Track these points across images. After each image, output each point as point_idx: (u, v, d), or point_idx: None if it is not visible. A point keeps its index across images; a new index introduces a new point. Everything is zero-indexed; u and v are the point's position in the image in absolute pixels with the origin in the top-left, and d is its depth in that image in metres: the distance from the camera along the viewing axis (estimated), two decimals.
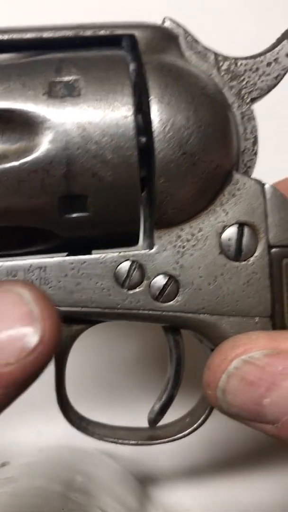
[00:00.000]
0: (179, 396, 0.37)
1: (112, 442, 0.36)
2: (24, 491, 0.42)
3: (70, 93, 0.31)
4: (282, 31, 0.36)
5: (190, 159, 0.32)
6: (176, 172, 0.32)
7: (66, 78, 0.31)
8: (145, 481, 0.54)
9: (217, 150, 0.33)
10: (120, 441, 0.36)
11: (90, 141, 0.31)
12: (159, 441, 0.36)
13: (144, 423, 0.38)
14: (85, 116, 0.31)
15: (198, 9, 0.53)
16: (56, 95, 0.31)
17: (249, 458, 0.54)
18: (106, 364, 0.52)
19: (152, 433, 0.37)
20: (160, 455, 0.53)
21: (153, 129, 0.31)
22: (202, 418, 0.36)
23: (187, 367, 0.37)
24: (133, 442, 0.36)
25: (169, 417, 0.37)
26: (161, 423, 0.37)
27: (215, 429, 0.50)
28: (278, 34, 0.36)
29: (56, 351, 0.29)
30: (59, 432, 0.48)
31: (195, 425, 0.36)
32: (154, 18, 0.36)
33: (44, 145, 0.30)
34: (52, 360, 0.29)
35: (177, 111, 0.32)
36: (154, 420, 0.37)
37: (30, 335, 0.28)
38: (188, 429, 0.36)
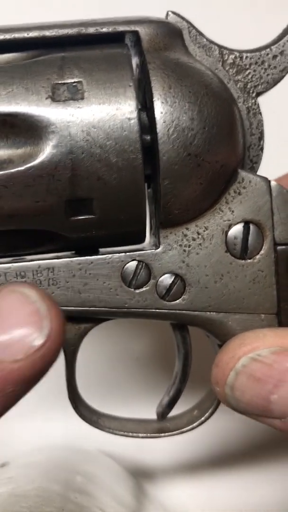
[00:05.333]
0: (187, 389, 0.38)
1: (122, 435, 0.37)
2: (24, 491, 0.43)
3: (73, 96, 0.31)
4: (284, 26, 0.35)
5: (195, 160, 0.32)
6: (181, 174, 0.32)
7: (69, 81, 0.31)
8: (144, 480, 0.55)
9: (222, 150, 0.33)
10: (130, 434, 0.37)
11: (94, 145, 0.31)
12: (167, 433, 0.37)
13: (153, 417, 0.39)
14: (89, 120, 0.31)
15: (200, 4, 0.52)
16: (60, 99, 0.31)
17: (247, 455, 0.55)
18: (115, 359, 0.52)
19: (161, 425, 0.38)
20: (159, 454, 0.54)
21: (157, 131, 0.31)
22: (210, 411, 0.37)
23: (194, 361, 0.37)
24: (142, 435, 0.37)
25: (176, 410, 0.38)
26: (169, 415, 0.38)
27: (215, 428, 0.51)
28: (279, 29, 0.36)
29: (62, 347, 0.30)
30: (59, 432, 0.49)
31: (202, 418, 0.37)
32: (158, 12, 0.36)
33: (48, 149, 0.31)
34: (60, 358, 0.30)
35: (181, 112, 0.31)
36: (162, 414, 0.38)
37: (38, 332, 0.29)
38: (196, 421, 0.37)
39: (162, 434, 0.37)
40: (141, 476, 0.56)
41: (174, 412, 0.38)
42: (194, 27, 0.35)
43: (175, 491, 0.55)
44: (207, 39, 0.35)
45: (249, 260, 0.34)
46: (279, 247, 0.34)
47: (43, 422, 0.54)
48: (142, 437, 0.37)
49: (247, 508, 0.54)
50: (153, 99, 0.31)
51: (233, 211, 0.34)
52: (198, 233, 0.34)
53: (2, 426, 0.54)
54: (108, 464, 0.53)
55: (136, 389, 0.53)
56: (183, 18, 0.35)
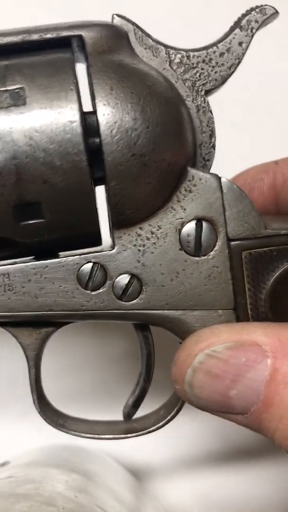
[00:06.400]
0: (153, 389, 0.38)
1: (89, 438, 0.37)
2: (24, 490, 0.43)
3: (15, 102, 0.31)
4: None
5: (140, 160, 0.32)
6: (128, 174, 0.32)
7: (11, 87, 0.32)
8: (144, 479, 0.55)
9: (168, 148, 0.33)
10: (97, 436, 0.37)
11: (38, 149, 0.31)
12: (135, 434, 0.37)
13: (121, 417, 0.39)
14: (31, 125, 0.31)
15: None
16: (1, 106, 0.31)
17: (247, 454, 0.54)
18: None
19: (129, 426, 0.38)
20: (159, 453, 0.55)
21: (100, 133, 0.32)
22: (175, 409, 0.37)
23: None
24: (109, 436, 0.38)
25: (144, 411, 0.38)
26: (137, 415, 0.38)
27: (214, 427, 0.51)
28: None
29: None
30: (59, 431, 0.49)
31: (168, 417, 0.37)
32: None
33: None
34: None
35: (123, 113, 0.32)
36: (128, 414, 0.38)
37: None
38: (162, 421, 0.37)
39: (129, 435, 0.37)
40: (141, 475, 0.56)
41: (142, 412, 0.38)
42: (140, 28, 0.36)
43: (175, 490, 0.55)
44: (154, 40, 0.36)
45: (203, 257, 0.34)
46: (232, 243, 0.34)
47: (43, 422, 0.54)
48: (109, 439, 0.37)
49: (247, 507, 0.54)
50: (95, 101, 0.32)
51: (185, 209, 0.34)
52: (152, 232, 0.34)
53: (2, 426, 0.55)
54: (108, 463, 0.53)
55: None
56: (128, 20, 0.36)
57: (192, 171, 0.34)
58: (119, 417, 0.39)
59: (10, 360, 0.52)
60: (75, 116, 0.31)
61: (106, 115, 0.32)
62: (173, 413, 0.37)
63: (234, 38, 0.36)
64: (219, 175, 0.35)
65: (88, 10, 0.54)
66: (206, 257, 0.34)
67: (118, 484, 0.50)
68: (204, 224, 0.34)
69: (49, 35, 0.33)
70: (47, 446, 0.53)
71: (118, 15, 0.35)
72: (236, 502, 0.54)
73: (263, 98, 0.53)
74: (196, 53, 0.36)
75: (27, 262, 0.34)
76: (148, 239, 0.34)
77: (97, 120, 0.32)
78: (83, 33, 0.34)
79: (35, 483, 0.44)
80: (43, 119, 0.31)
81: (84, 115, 0.32)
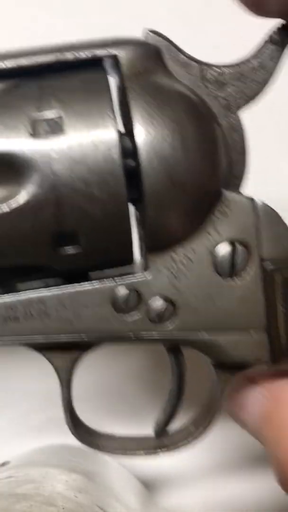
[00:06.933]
0: (183, 405, 0.38)
1: (121, 454, 0.38)
2: (24, 490, 0.43)
3: (53, 130, 0.31)
4: None
5: (179, 188, 0.32)
6: (165, 201, 0.32)
7: (48, 114, 0.31)
8: (145, 480, 0.55)
9: (204, 174, 0.33)
10: (129, 452, 0.38)
11: (77, 180, 0.31)
12: (166, 450, 0.38)
13: (150, 429, 0.40)
14: (71, 155, 0.31)
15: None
16: (40, 135, 0.30)
17: (253, 460, 0.56)
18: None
19: (158, 442, 0.39)
20: (168, 460, 0.55)
21: (140, 161, 0.31)
22: (204, 426, 0.37)
23: (188, 378, 0.38)
24: (141, 452, 0.38)
25: (173, 426, 0.39)
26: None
27: (220, 435, 0.51)
28: None
29: None
30: (59, 431, 0.49)
31: (197, 433, 0.38)
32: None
33: (32, 187, 0.30)
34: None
35: (162, 140, 0.31)
36: (160, 431, 0.38)
37: None
38: (191, 437, 0.38)
39: (160, 451, 0.38)
40: (142, 475, 0.56)
41: (170, 428, 0.39)
42: (173, 44, 0.35)
43: (179, 493, 0.56)
44: (187, 56, 0.35)
45: (237, 279, 0.34)
46: (265, 265, 0.34)
47: (44, 422, 0.55)
48: (141, 455, 0.38)
49: None
50: (134, 129, 0.31)
51: (219, 232, 0.34)
52: (186, 256, 0.34)
53: (2, 426, 0.55)
54: (108, 463, 0.53)
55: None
56: (162, 36, 0.35)
57: (226, 194, 0.34)
58: (145, 429, 0.40)
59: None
60: (114, 146, 0.31)
61: (145, 143, 0.31)
62: (201, 429, 0.38)
63: (265, 53, 0.35)
64: (253, 197, 0.35)
65: (88, 10, 0.54)
66: (239, 279, 0.35)
67: (119, 484, 0.51)
68: (238, 247, 0.34)
69: (83, 55, 0.32)
70: (47, 446, 0.53)
71: (152, 31, 0.34)
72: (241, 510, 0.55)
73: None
74: (229, 70, 0.35)
75: (61, 288, 0.34)
76: (182, 262, 0.34)
77: (135, 146, 0.31)
78: (117, 52, 0.33)
79: (35, 483, 0.44)
80: (82, 149, 0.31)
81: (122, 142, 0.31)
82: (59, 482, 0.44)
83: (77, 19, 0.54)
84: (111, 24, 0.50)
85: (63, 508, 0.40)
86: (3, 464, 0.51)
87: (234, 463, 0.54)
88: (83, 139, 0.31)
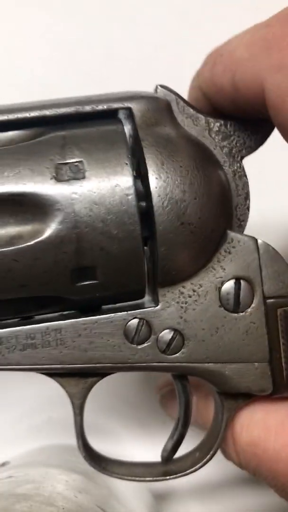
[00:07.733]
0: (188, 432, 0.40)
1: (130, 480, 0.40)
2: (24, 490, 0.43)
3: (75, 175, 0.34)
4: None
5: (188, 228, 0.35)
6: (176, 241, 0.35)
7: (70, 161, 0.34)
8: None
9: (212, 216, 0.36)
10: (137, 478, 0.40)
11: (96, 219, 0.34)
12: (173, 476, 0.40)
13: (158, 453, 0.41)
14: (91, 197, 0.34)
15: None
16: (63, 179, 0.34)
17: None
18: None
19: (166, 468, 0.40)
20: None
21: (153, 204, 0.34)
22: (211, 453, 0.39)
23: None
24: (149, 478, 0.40)
25: (179, 452, 0.41)
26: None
27: None
28: None
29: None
30: (59, 431, 0.50)
31: (204, 460, 0.39)
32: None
33: (55, 225, 0.33)
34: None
35: (174, 186, 0.35)
36: (167, 457, 0.40)
37: None
38: (198, 463, 0.39)
39: (168, 477, 0.40)
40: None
41: (177, 454, 0.41)
42: (182, 98, 0.38)
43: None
44: (194, 109, 0.38)
45: (241, 313, 0.37)
46: (268, 300, 0.37)
47: (44, 422, 0.55)
48: (149, 481, 0.40)
49: None
50: (148, 175, 0.34)
51: (224, 269, 0.37)
52: (194, 290, 0.37)
53: (2, 426, 0.55)
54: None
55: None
56: (171, 90, 0.38)
57: (231, 234, 0.37)
58: (152, 454, 0.41)
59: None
60: (131, 190, 0.34)
61: (158, 188, 0.34)
62: (208, 456, 0.39)
63: None
64: (256, 237, 0.37)
65: (88, 10, 0.55)
66: (244, 313, 0.37)
67: (119, 484, 0.49)
68: (242, 283, 0.37)
69: (100, 107, 0.36)
70: (47, 446, 0.54)
71: (162, 86, 0.38)
72: None
73: None
74: (233, 122, 0.38)
75: (76, 318, 0.36)
76: (190, 296, 0.37)
77: (148, 190, 0.34)
78: (131, 105, 0.36)
79: (35, 483, 0.44)
80: (101, 192, 0.34)
81: (136, 186, 0.34)
82: (59, 482, 0.44)
83: (77, 19, 0.55)
84: (111, 24, 0.53)
85: (63, 508, 0.40)
86: (3, 464, 0.51)
87: (242, 477, 0.54)
88: (102, 183, 0.34)
